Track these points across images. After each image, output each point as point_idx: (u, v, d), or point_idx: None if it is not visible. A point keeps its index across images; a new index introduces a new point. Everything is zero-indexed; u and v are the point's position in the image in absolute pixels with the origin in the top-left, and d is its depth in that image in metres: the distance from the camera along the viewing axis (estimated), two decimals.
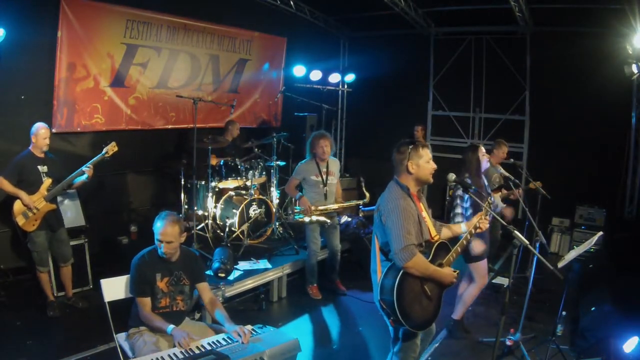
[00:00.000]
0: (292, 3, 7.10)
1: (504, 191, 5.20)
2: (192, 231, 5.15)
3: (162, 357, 2.46)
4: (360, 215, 6.13)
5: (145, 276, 2.81)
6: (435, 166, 2.75)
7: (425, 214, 2.80)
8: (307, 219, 4.75)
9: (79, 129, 5.39)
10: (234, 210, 5.51)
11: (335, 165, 4.94)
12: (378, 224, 2.70)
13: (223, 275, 4.42)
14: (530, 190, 5.33)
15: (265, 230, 5.83)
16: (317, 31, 8.19)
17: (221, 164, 5.74)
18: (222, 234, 5.57)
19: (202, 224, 5.67)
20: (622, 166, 6.54)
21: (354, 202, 5.18)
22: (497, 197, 4.49)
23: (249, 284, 4.64)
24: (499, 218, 2.90)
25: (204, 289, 3.03)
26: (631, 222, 6.29)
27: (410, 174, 2.71)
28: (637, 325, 3.39)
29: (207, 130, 6.35)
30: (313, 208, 4.72)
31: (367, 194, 4.93)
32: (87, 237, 4.84)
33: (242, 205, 5.48)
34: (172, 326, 2.68)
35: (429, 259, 2.62)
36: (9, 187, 3.93)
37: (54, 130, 5.05)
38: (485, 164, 3.98)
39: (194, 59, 6.51)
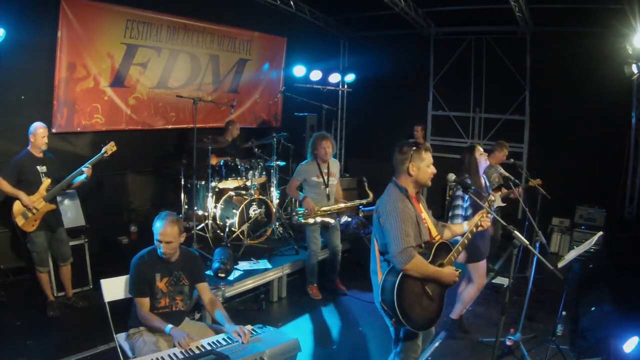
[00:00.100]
0: (292, 3, 7.10)
1: (504, 190, 5.20)
2: (192, 231, 5.15)
3: (162, 357, 2.46)
4: (360, 215, 6.14)
5: (145, 276, 2.81)
6: (435, 171, 2.75)
7: (426, 215, 2.79)
8: (311, 220, 4.75)
9: (79, 129, 5.39)
10: (234, 211, 5.51)
11: (335, 166, 4.94)
12: (377, 225, 2.70)
13: (223, 275, 4.42)
14: (530, 189, 5.33)
15: (265, 230, 5.83)
16: (317, 31, 8.19)
17: (221, 164, 5.74)
18: (222, 234, 5.57)
19: (202, 224, 5.67)
20: (622, 166, 6.53)
21: (357, 202, 5.17)
22: (497, 197, 4.49)
23: (249, 284, 4.64)
24: (499, 218, 2.90)
25: (204, 289, 3.03)
26: (631, 222, 6.29)
27: (410, 176, 2.70)
28: (637, 325, 3.39)
29: (207, 130, 6.35)
30: (316, 209, 4.72)
31: (370, 193, 4.92)
32: (87, 237, 4.84)
33: (242, 205, 5.48)
34: (170, 326, 2.68)
35: (430, 259, 2.61)
36: (8, 187, 3.93)
37: (54, 130, 5.06)
38: (484, 163, 3.98)
39: (194, 59, 6.51)
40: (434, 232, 2.79)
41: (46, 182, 4.07)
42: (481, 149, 4.00)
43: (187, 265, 2.97)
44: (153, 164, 6.35)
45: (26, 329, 3.95)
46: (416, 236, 2.60)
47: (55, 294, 4.39)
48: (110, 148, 4.36)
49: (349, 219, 6.08)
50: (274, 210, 5.86)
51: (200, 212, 5.73)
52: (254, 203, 5.60)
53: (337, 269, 5.14)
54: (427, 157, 2.72)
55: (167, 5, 5.89)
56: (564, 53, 6.58)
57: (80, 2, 5.05)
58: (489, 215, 2.93)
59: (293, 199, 6.86)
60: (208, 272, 4.38)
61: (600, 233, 3.70)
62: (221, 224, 5.70)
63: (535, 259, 3.48)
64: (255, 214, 5.58)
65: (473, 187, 3.40)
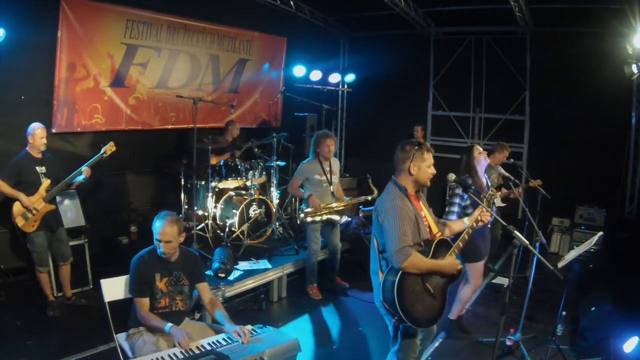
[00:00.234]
0: (292, 3, 7.10)
1: (504, 190, 5.20)
2: (192, 231, 5.15)
3: (162, 357, 2.46)
4: (360, 215, 6.14)
5: (145, 276, 2.81)
6: (435, 172, 2.76)
7: (426, 213, 2.80)
8: (317, 218, 4.74)
9: (79, 129, 5.38)
10: (234, 211, 5.51)
11: (336, 164, 4.95)
12: (376, 224, 2.70)
13: (223, 275, 4.42)
14: (530, 189, 5.33)
15: (265, 230, 5.83)
16: (317, 31, 8.19)
17: (221, 164, 5.74)
18: (222, 234, 5.57)
19: (202, 224, 5.67)
20: (622, 166, 6.54)
21: (362, 198, 5.15)
22: (497, 196, 4.49)
23: (249, 284, 4.64)
24: (498, 218, 2.90)
25: (204, 289, 3.03)
26: (631, 222, 6.29)
27: (411, 175, 2.71)
28: (637, 325, 3.39)
29: (207, 130, 6.35)
30: (322, 206, 4.71)
31: (375, 190, 4.88)
32: (87, 237, 4.84)
33: (242, 205, 5.48)
34: (170, 324, 2.68)
35: (429, 256, 2.62)
36: (7, 189, 3.92)
37: (54, 130, 5.06)
38: (484, 162, 3.98)
39: (194, 59, 6.51)
40: (435, 230, 2.80)
41: (46, 182, 4.07)
42: (480, 148, 4.01)
43: (187, 265, 2.97)
44: (153, 164, 6.35)
45: (26, 329, 3.95)
46: (415, 235, 2.60)
47: (55, 294, 4.39)
48: (109, 148, 4.36)
49: (349, 219, 6.08)
50: (274, 210, 5.86)
51: (200, 212, 5.73)
52: (254, 203, 5.60)
53: (336, 269, 5.14)
54: (429, 157, 2.72)
55: (167, 5, 5.89)
56: (564, 53, 6.58)
57: (80, 2, 5.05)
58: (488, 209, 2.93)
59: (293, 199, 6.90)
60: (208, 272, 4.38)
61: (600, 233, 3.70)
62: (221, 224, 5.70)
63: (535, 259, 3.48)
64: (255, 214, 5.58)
65: (473, 187, 3.40)
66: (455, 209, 3.78)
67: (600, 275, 4.78)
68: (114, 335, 2.89)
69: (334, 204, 4.82)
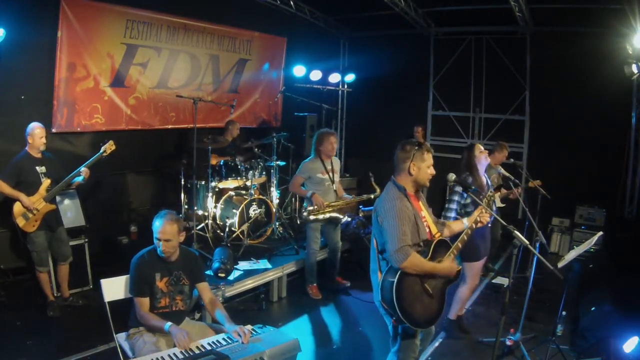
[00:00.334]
0: (292, 3, 7.10)
1: (504, 191, 5.20)
2: (192, 231, 5.15)
3: (162, 357, 2.46)
4: (360, 215, 6.13)
5: (145, 276, 2.81)
6: (434, 172, 2.76)
7: (425, 213, 2.80)
8: (320, 217, 4.73)
9: (79, 129, 5.38)
10: (234, 210, 5.51)
11: (337, 163, 4.96)
12: (376, 224, 2.71)
13: (223, 275, 4.42)
14: (530, 189, 5.33)
15: (265, 230, 5.83)
16: (317, 31, 8.18)
17: (221, 164, 5.74)
18: (222, 234, 5.57)
19: (202, 224, 5.67)
20: (622, 166, 6.53)
21: (365, 196, 5.15)
22: (496, 197, 4.49)
23: (249, 284, 4.64)
24: (498, 218, 2.90)
25: (204, 289, 3.03)
26: (631, 222, 6.29)
27: (410, 175, 2.71)
28: (637, 325, 3.39)
29: (207, 130, 6.35)
30: (326, 204, 4.71)
31: (377, 188, 4.87)
32: (87, 237, 4.84)
33: (242, 205, 5.48)
34: (169, 323, 2.68)
35: (428, 256, 2.62)
36: (7, 189, 3.92)
37: (53, 130, 5.06)
38: (484, 161, 3.99)
39: (194, 59, 6.51)
40: (434, 230, 2.80)
41: (46, 182, 4.07)
42: (481, 147, 4.01)
43: (187, 265, 2.97)
44: (153, 164, 6.35)
45: (26, 329, 3.95)
46: (414, 235, 2.61)
47: (55, 294, 4.39)
48: (109, 147, 4.37)
49: (349, 219, 6.07)
50: (274, 210, 5.86)
51: (200, 212, 5.73)
52: (254, 203, 5.60)
53: (337, 267, 5.15)
54: (429, 158, 2.73)
55: (167, 5, 5.89)
56: (564, 53, 6.58)
57: (80, 2, 5.05)
58: (488, 209, 2.93)
59: (293, 199, 6.89)
60: (208, 272, 4.38)
61: (600, 233, 3.70)
62: (221, 224, 5.70)
63: (535, 259, 3.48)
64: (255, 214, 5.58)
65: (473, 187, 3.41)
66: (454, 206, 3.79)
67: (600, 275, 4.78)
68: (114, 335, 2.88)
69: (338, 202, 4.82)
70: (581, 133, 6.59)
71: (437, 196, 7.55)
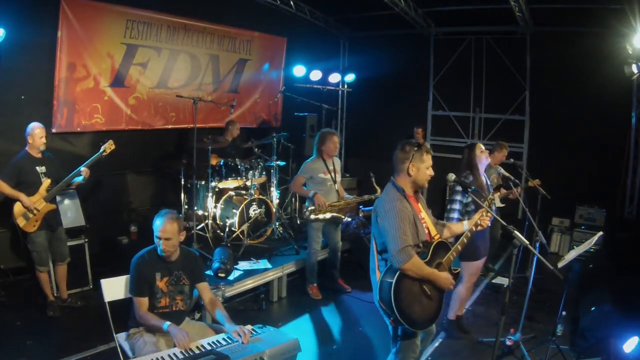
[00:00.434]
0: (292, 3, 7.10)
1: (503, 191, 5.20)
2: (192, 231, 5.15)
3: (162, 357, 2.46)
4: (360, 215, 6.13)
5: (145, 276, 2.81)
6: (433, 173, 2.76)
7: (425, 215, 2.80)
8: (320, 216, 4.74)
9: (79, 129, 5.38)
10: (234, 210, 5.51)
11: (338, 163, 4.97)
12: (375, 225, 2.71)
13: (223, 275, 4.41)
14: (530, 189, 5.33)
15: (265, 230, 5.83)
16: (317, 31, 8.19)
17: (221, 163, 5.74)
18: (222, 234, 5.57)
19: (202, 224, 5.67)
20: (622, 166, 6.54)
21: (366, 197, 5.16)
22: (495, 198, 4.49)
23: (249, 284, 4.64)
24: (498, 218, 2.90)
25: (204, 289, 3.03)
26: (631, 222, 6.29)
27: (410, 176, 2.71)
28: (637, 325, 3.39)
29: (207, 130, 6.35)
30: (327, 204, 4.71)
31: (378, 189, 4.87)
32: (87, 237, 4.84)
33: (242, 205, 5.48)
34: (168, 323, 2.68)
35: (427, 258, 2.62)
36: (7, 189, 3.91)
37: (54, 130, 5.06)
38: (485, 161, 3.99)
39: (194, 59, 6.51)
40: (433, 232, 2.79)
41: (46, 182, 4.07)
42: (482, 147, 4.01)
43: (188, 265, 2.97)
44: (153, 164, 6.35)
45: (26, 329, 3.95)
46: (414, 236, 2.61)
47: (55, 294, 4.38)
48: (109, 147, 4.36)
49: (349, 219, 6.07)
50: (274, 210, 5.86)
51: (200, 212, 5.73)
52: (254, 203, 5.60)
53: (337, 266, 5.16)
54: (428, 159, 2.73)
55: (167, 5, 5.89)
56: (564, 53, 6.58)
57: (80, 2, 5.05)
58: (489, 214, 2.93)
59: (293, 199, 6.89)
60: (208, 272, 4.38)
61: (600, 233, 3.70)
62: (221, 224, 5.70)
63: (535, 259, 3.48)
64: (255, 214, 5.58)
65: (473, 187, 3.40)
66: (457, 206, 3.78)
67: (600, 275, 4.78)
68: (114, 335, 2.88)
69: (339, 202, 4.82)
70: (581, 133, 6.59)
71: (437, 197, 7.56)
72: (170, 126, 6.43)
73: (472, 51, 7.66)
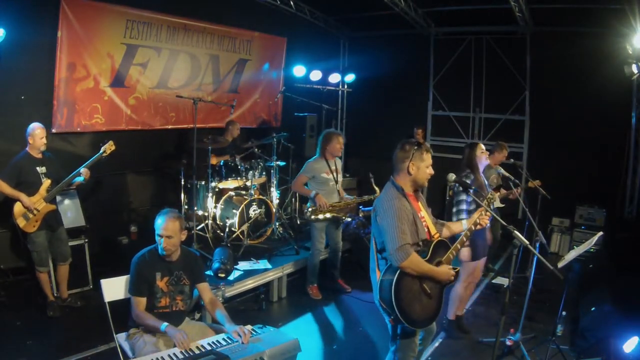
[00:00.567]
0: (292, 3, 7.10)
1: (503, 191, 5.20)
2: (192, 231, 5.15)
3: (162, 357, 2.46)
4: (360, 215, 6.13)
5: (144, 275, 2.82)
6: (433, 172, 2.76)
7: (425, 214, 2.80)
8: (321, 217, 4.74)
9: (79, 129, 5.38)
10: (234, 211, 5.51)
11: (339, 163, 4.97)
12: (374, 224, 2.71)
13: (223, 275, 4.42)
14: (530, 189, 5.33)
15: (265, 230, 5.83)
16: (317, 31, 8.19)
17: (221, 164, 5.74)
18: (222, 234, 5.57)
19: (202, 224, 5.68)
20: (622, 166, 6.54)
21: (366, 197, 5.16)
22: (495, 197, 4.49)
23: (249, 284, 4.64)
24: (498, 218, 2.90)
25: (204, 289, 3.03)
26: (631, 222, 6.29)
27: (410, 175, 2.71)
28: (637, 325, 3.39)
29: (207, 130, 6.35)
30: (328, 204, 4.71)
31: (377, 189, 4.88)
32: (87, 237, 4.84)
33: (242, 205, 5.48)
34: (165, 324, 2.68)
35: (427, 257, 2.62)
36: (7, 189, 3.91)
37: (54, 130, 5.06)
38: (484, 161, 3.99)
39: (194, 59, 6.51)
40: (433, 230, 2.80)
41: (46, 182, 4.07)
42: (483, 147, 4.02)
43: (188, 265, 2.97)
44: (153, 164, 6.35)
45: (26, 329, 3.95)
46: (413, 234, 2.61)
47: (55, 294, 4.38)
48: (109, 147, 4.37)
49: (349, 219, 6.07)
50: (274, 210, 5.86)
51: (200, 212, 5.73)
52: (254, 203, 5.60)
53: (337, 266, 5.16)
54: (428, 158, 2.73)
55: (167, 5, 5.89)
56: (564, 53, 6.58)
57: (80, 2, 5.05)
58: (488, 213, 2.93)
59: (293, 199, 6.89)
60: (208, 272, 4.38)
61: (600, 233, 3.70)
62: (221, 224, 5.70)
63: (535, 259, 3.48)
64: (255, 214, 5.58)
65: (473, 187, 3.41)
66: (464, 206, 3.77)
67: (600, 275, 4.78)
68: (114, 335, 2.88)
69: (339, 203, 4.82)
70: (581, 133, 6.59)
71: (437, 196, 7.56)
72: (170, 126, 6.43)
73: (472, 51, 7.67)
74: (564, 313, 3.87)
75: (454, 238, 2.91)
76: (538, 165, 6.98)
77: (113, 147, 4.39)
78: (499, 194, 5.10)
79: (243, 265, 4.86)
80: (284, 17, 7.31)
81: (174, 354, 2.49)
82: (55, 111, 5.10)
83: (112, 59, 5.54)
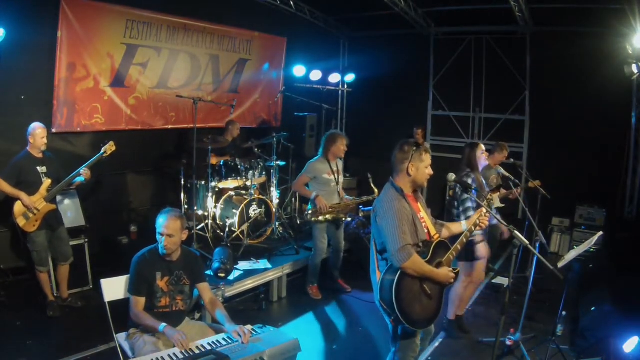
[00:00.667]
0: (292, 3, 7.10)
1: (503, 191, 5.20)
2: (192, 231, 5.15)
3: (162, 357, 2.46)
4: (360, 215, 6.13)
5: (145, 275, 2.82)
6: (432, 173, 2.76)
7: (424, 214, 2.80)
8: (321, 218, 4.73)
9: (79, 129, 5.38)
10: (234, 210, 5.51)
11: (340, 165, 4.97)
12: (374, 224, 2.71)
13: (223, 275, 4.41)
14: (530, 189, 5.33)
15: (265, 230, 5.83)
16: (317, 31, 8.19)
17: (221, 164, 5.74)
18: (222, 234, 5.57)
19: (202, 224, 5.67)
20: (622, 166, 6.54)
21: (365, 198, 5.17)
22: (495, 198, 4.49)
23: (249, 284, 4.64)
24: (498, 218, 2.90)
25: (205, 289, 3.03)
26: (631, 222, 6.29)
27: (409, 175, 2.71)
28: (637, 325, 3.39)
29: (207, 130, 6.35)
30: (328, 206, 4.71)
31: (376, 189, 4.88)
32: (87, 237, 4.84)
33: (242, 205, 5.48)
34: (164, 324, 2.68)
35: (427, 258, 2.62)
36: (8, 188, 3.91)
37: (54, 130, 5.06)
38: (484, 162, 4.00)
39: (194, 59, 6.51)
40: (433, 231, 2.80)
41: (47, 182, 4.07)
42: (483, 148, 4.02)
43: (188, 265, 2.97)
44: (153, 164, 6.35)
45: (26, 329, 3.95)
46: (413, 235, 2.61)
47: (55, 294, 4.38)
48: (109, 148, 4.37)
49: (349, 219, 6.07)
50: (274, 210, 5.86)
51: (200, 212, 5.73)
52: (254, 203, 5.60)
53: (338, 266, 5.16)
54: (427, 158, 2.72)
55: (167, 5, 5.89)
56: (564, 53, 6.58)
57: (80, 2, 5.05)
58: (487, 214, 2.93)
59: (293, 199, 6.89)
60: (208, 272, 4.38)
61: (600, 233, 3.70)
62: (221, 224, 5.70)
63: (535, 259, 3.48)
64: (255, 214, 5.58)
65: (473, 187, 3.41)
66: (470, 204, 3.76)
67: (600, 275, 4.78)
68: (114, 335, 2.88)
69: (339, 204, 4.82)
70: (581, 133, 6.59)
71: (436, 196, 7.56)
72: (170, 126, 6.43)
73: (472, 51, 7.66)
74: (564, 313, 3.87)
75: (454, 238, 2.91)
76: (538, 165, 6.98)
77: (114, 148, 4.39)
78: (499, 193, 5.10)
79: (243, 265, 4.86)
80: (284, 17, 7.31)
81: (174, 354, 2.49)
82: (55, 111, 5.10)
83: (112, 59, 5.54)
